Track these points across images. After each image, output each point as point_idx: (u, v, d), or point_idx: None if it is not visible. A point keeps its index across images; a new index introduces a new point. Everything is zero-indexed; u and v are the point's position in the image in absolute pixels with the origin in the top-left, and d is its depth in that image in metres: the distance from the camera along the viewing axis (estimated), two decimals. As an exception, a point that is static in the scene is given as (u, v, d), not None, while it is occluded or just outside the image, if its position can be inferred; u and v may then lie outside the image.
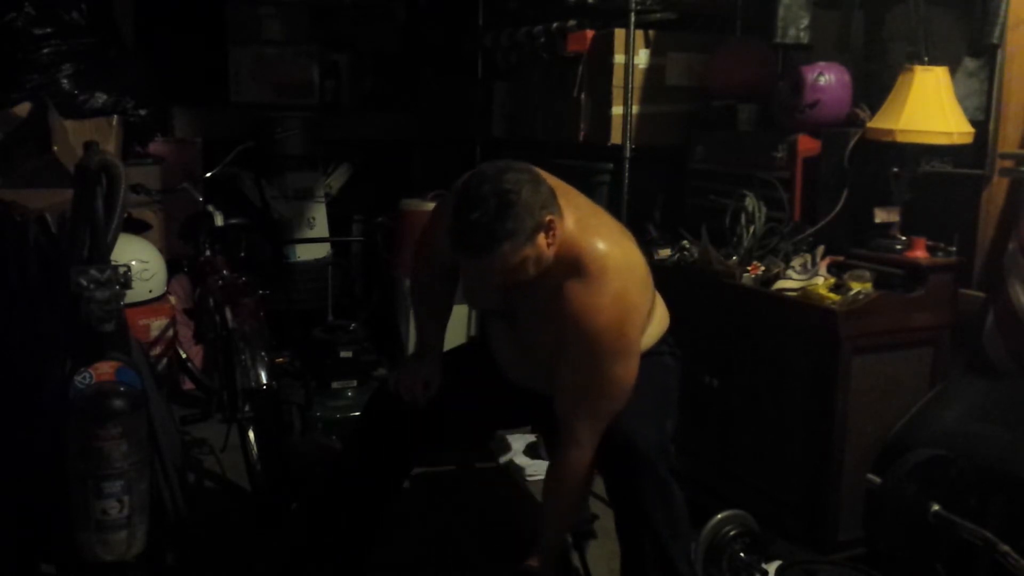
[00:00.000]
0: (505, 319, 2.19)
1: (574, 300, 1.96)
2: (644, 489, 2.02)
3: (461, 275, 2.28)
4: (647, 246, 3.08)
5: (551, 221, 1.93)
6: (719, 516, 2.42)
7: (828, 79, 2.89)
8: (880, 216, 2.71)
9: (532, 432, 3.37)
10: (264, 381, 2.71)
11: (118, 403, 1.91)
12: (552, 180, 2.08)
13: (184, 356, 3.54)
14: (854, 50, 3.09)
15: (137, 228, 3.52)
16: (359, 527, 2.34)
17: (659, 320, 2.22)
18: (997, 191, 2.68)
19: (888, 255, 2.68)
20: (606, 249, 1.99)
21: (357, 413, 3.16)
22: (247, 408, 2.72)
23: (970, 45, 2.70)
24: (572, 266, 1.97)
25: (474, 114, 4.47)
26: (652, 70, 3.40)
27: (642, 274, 2.05)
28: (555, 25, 3.71)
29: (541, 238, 1.92)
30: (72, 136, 3.45)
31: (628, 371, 2.01)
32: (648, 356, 2.13)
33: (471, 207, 1.88)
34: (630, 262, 2.03)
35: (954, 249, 2.67)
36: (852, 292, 2.53)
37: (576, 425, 2.04)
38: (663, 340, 2.24)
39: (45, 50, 3.62)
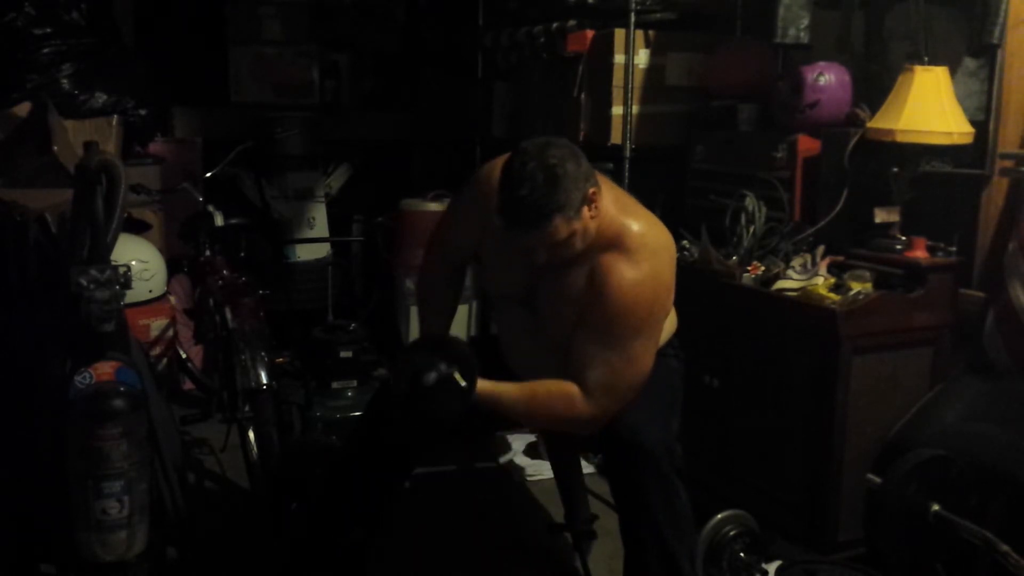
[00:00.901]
0: (522, 303, 2.18)
1: (613, 273, 1.97)
2: (649, 488, 2.02)
3: (485, 263, 2.27)
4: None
5: (594, 193, 1.95)
6: (719, 516, 2.42)
7: (828, 79, 2.89)
8: (880, 216, 2.71)
9: (532, 432, 3.37)
10: (264, 381, 2.71)
11: (118, 403, 1.91)
12: None
13: (184, 356, 3.54)
14: (854, 50, 3.09)
15: (137, 228, 3.52)
16: (359, 527, 2.34)
17: (670, 320, 2.22)
18: (997, 191, 2.68)
19: (888, 255, 2.68)
20: (645, 228, 2.03)
21: (357, 413, 3.17)
22: (247, 408, 2.72)
23: (970, 45, 2.70)
24: (611, 241, 2.00)
25: (474, 114, 4.47)
26: (652, 70, 3.40)
27: (674, 256, 2.09)
28: (555, 25, 3.71)
29: (586, 211, 1.95)
30: (72, 136, 3.44)
31: (645, 354, 2.02)
32: (656, 356, 2.13)
33: (519, 184, 1.89)
34: (666, 243, 2.07)
35: (954, 249, 2.67)
36: (852, 292, 2.54)
37: (580, 395, 1.99)
38: (670, 342, 2.25)
39: (45, 50, 3.62)
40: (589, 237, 1.99)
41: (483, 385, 1.99)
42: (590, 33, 3.50)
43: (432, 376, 1.93)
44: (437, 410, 1.98)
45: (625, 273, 1.97)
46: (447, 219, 2.34)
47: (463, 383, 1.95)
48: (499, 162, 2.02)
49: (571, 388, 1.99)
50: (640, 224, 2.03)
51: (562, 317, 2.07)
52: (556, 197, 1.89)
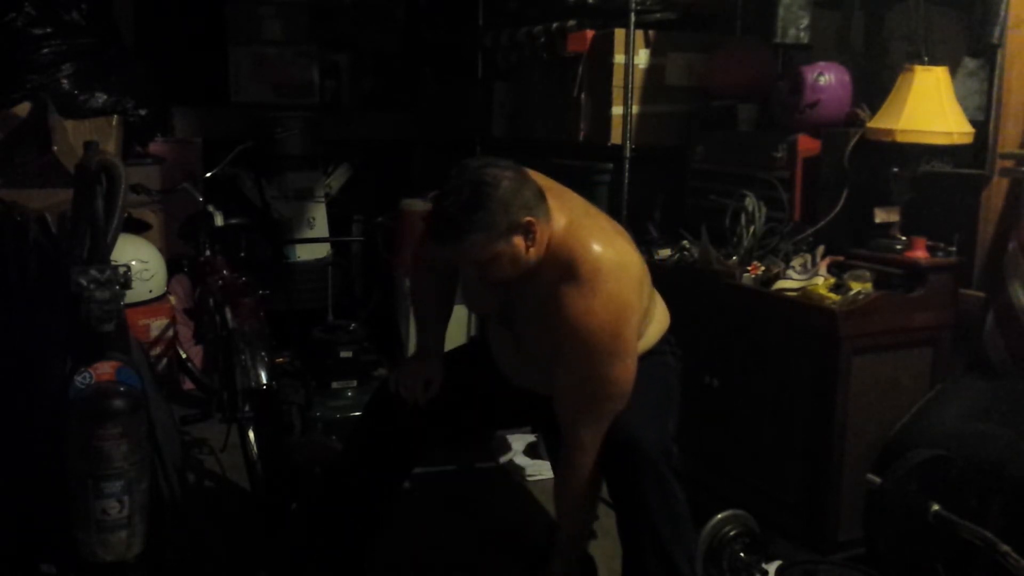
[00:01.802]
0: (503, 323, 2.19)
1: (567, 303, 1.95)
2: (646, 488, 2.02)
3: (461, 280, 2.28)
4: (647, 246, 3.08)
5: (530, 223, 1.92)
6: (719, 516, 2.42)
7: (828, 79, 2.89)
8: (880, 216, 2.71)
9: (532, 432, 3.37)
10: (264, 381, 2.71)
11: (118, 403, 1.91)
12: (546, 181, 2.08)
13: (184, 356, 3.54)
14: (854, 50, 3.09)
15: (137, 228, 3.52)
16: (359, 527, 2.34)
17: (659, 320, 2.21)
18: (997, 191, 2.68)
19: (888, 255, 2.68)
20: (599, 250, 1.98)
21: (357, 413, 3.17)
22: (247, 408, 2.72)
23: (970, 45, 2.70)
24: (565, 268, 1.97)
25: (474, 114, 4.47)
26: (652, 70, 3.40)
27: (637, 273, 2.04)
28: (555, 25, 3.71)
29: (518, 239, 1.92)
30: (72, 136, 3.45)
31: (625, 372, 2.01)
32: (649, 356, 2.13)
33: (446, 195, 1.90)
34: (623, 262, 2.01)
35: (954, 249, 2.67)
36: (852, 292, 2.53)
37: (578, 429, 2.04)
38: (664, 340, 2.24)
39: (45, 50, 3.62)
40: (523, 265, 1.96)
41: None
42: (590, 33, 3.50)
43: None
44: None
45: (579, 304, 1.94)
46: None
47: None
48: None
49: (573, 468, 2.06)
50: (597, 245, 1.98)
51: (538, 339, 2.08)
52: (474, 215, 1.87)
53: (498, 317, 2.20)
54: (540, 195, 1.96)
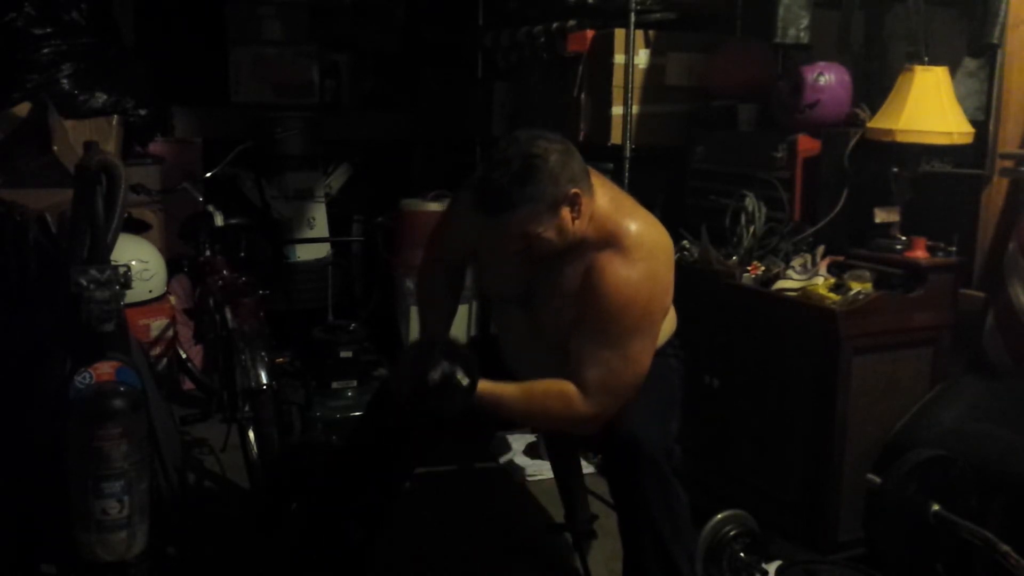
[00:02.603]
0: (520, 305, 2.18)
1: (607, 271, 1.96)
2: (647, 489, 2.02)
3: (482, 264, 2.27)
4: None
5: (576, 195, 1.93)
6: (719, 516, 2.42)
7: (828, 79, 2.89)
8: (880, 216, 2.71)
9: (532, 432, 3.37)
10: (264, 381, 2.71)
11: (118, 403, 1.91)
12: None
13: (184, 356, 3.54)
14: (854, 50, 3.09)
15: (137, 228, 3.52)
16: (359, 527, 2.34)
17: (669, 320, 2.22)
18: (997, 191, 2.68)
19: (888, 255, 2.68)
20: (641, 228, 2.01)
21: (357, 413, 3.17)
22: (247, 408, 2.72)
23: (970, 45, 2.70)
24: (607, 241, 1.98)
25: (474, 114, 4.47)
26: (652, 70, 3.40)
27: (671, 257, 2.08)
28: (555, 25, 3.71)
29: (565, 211, 1.93)
30: (72, 136, 3.44)
31: (643, 353, 2.01)
32: (655, 356, 2.13)
33: (495, 166, 1.89)
34: (663, 243, 2.05)
35: (954, 249, 2.67)
36: (852, 292, 2.53)
37: (578, 394, 1.99)
38: (670, 342, 2.25)
39: (45, 50, 3.62)
40: (568, 237, 1.97)
41: (483, 385, 1.99)
42: (590, 33, 3.50)
43: (436, 375, 1.94)
44: (441, 408, 1.98)
45: (620, 272, 1.96)
46: (445, 219, 2.34)
47: (465, 382, 1.95)
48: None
49: (569, 387, 1.99)
50: (637, 224, 2.02)
51: (559, 317, 2.06)
52: (526, 188, 1.87)
53: (518, 298, 2.19)
54: (585, 169, 1.98)
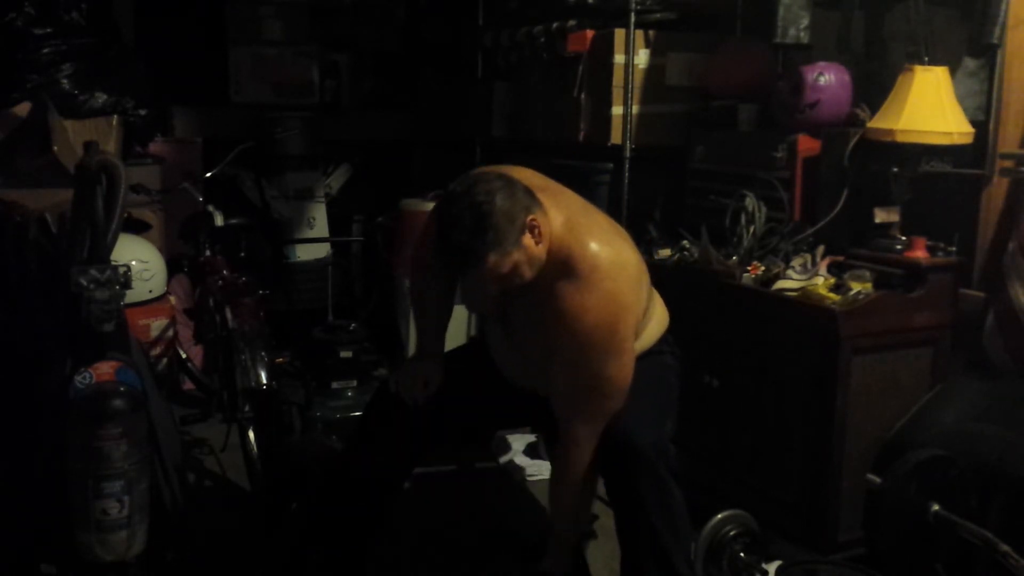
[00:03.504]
0: (500, 323, 2.20)
1: (564, 300, 1.96)
2: (643, 489, 2.02)
3: (459, 280, 2.28)
4: (647, 246, 3.08)
5: (533, 220, 1.93)
6: (719, 516, 2.42)
7: (828, 79, 2.89)
8: (880, 216, 2.71)
9: (532, 432, 3.37)
10: (264, 381, 2.71)
11: (118, 403, 1.91)
12: (540, 180, 2.09)
13: (184, 356, 3.54)
14: (854, 50, 3.09)
15: (137, 228, 3.52)
16: (359, 527, 2.34)
17: (658, 319, 2.22)
18: (997, 191, 2.68)
19: (888, 255, 2.68)
20: (596, 248, 1.98)
21: (357, 413, 3.16)
22: (247, 408, 2.72)
23: (970, 45, 2.70)
24: (562, 266, 1.97)
25: (474, 114, 4.47)
26: (652, 70, 3.40)
27: (634, 272, 2.04)
28: (555, 25, 3.71)
29: (527, 239, 1.93)
30: (72, 136, 3.44)
31: (622, 370, 2.01)
32: (648, 355, 2.14)
33: (450, 229, 1.90)
34: (621, 260, 2.01)
35: (954, 249, 2.67)
36: (852, 292, 2.53)
37: (573, 425, 2.04)
38: (663, 339, 2.24)
39: (45, 50, 3.62)
40: (538, 262, 1.96)
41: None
42: (590, 33, 3.50)
43: None
44: None
45: (577, 299, 1.95)
46: (428, 227, 2.32)
47: None
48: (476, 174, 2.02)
49: (568, 465, 2.07)
50: (594, 243, 1.99)
51: (534, 341, 2.09)
52: (486, 236, 1.87)
53: (496, 317, 2.20)
54: (529, 190, 1.97)
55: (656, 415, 2.12)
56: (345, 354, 3.55)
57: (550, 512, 2.24)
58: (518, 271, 1.94)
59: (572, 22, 3.62)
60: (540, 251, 1.96)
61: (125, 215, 2.26)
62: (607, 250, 2.00)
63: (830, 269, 2.70)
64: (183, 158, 4.17)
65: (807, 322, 2.55)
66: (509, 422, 2.88)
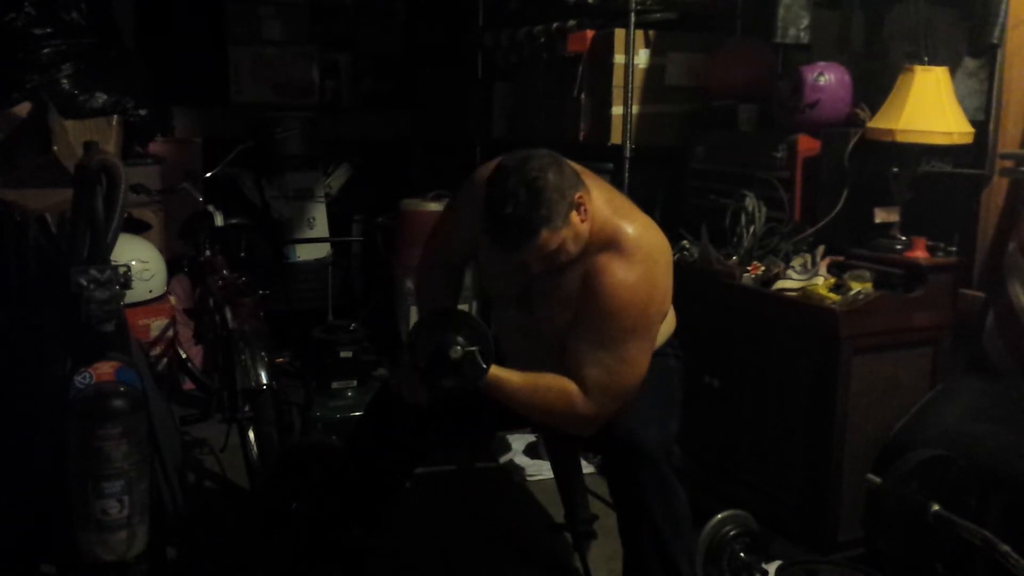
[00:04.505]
0: (519, 305, 2.18)
1: (606, 273, 1.97)
2: (647, 488, 2.02)
3: (482, 265, 2.27)
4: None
5: (581, 198, 1.95)
6: (719, 516, 2.42)
7: (828, 79, 2.89)
8: (880, 216, 2.71)
9: (532, 432, 3.37)
10: (264, 381, 2.72)
11: (118, 403, 1.91)
12: (575, 166, 2.10)
13: (184, 356, 3.54)
14: (854, 50, 3.09)
15: (137, 228, 3.52)
16: (359, 527, 2.34)
17: (669, 319, 2.22)
18: (997, 191, 2.67)
19: (888, 255, 2.68)
20: (640, 231, 2.02)
21: (357, 413, 3.17)
22: (247, 408, 2.72)
23: (970, 45, 2.70)
24: (606, 242, 1.99)
25: (474, 114, 4.47)
26: (652, 70, 3.40)
27: (670, 259, 2.08)
28: (555, 25, 3.71)
29: (575, 216, 1.94)
30: (72, 136, 3.44)
31: (641, 353, 2.01)
32: (653, 357, 2.13)
33: (502, 202, 1.89)
34: (662, 245, 2.06)
35: (954, 249, 2.67)
36: (852, 292, 2.53)
37: (577, 403, 2.00)
38: (669, 342, 2.25)
39: (45, 50, 3.62)
40: (582, 241, 1.98)
41: (493, 369, 1.99)
42: (590, 33, 3.50)
43: (456, 351, 1.93)
44: (455, 386, 1.97)
45: (618, 274, 1.97)
46: (445, 219, 2.34)
47: (483, 363, 1.95)
48: (496, 162, 2.02)
49: (571, 385, 1.99)
50: (635, 226, 2.02)
51: (558, 318, 2.07)
52: (540, 211, 1.88)
53: (518, 298, 2.19)
54: (576, 172, 2.00)
55: (660, 415, 2.12)
56: (345, 354, 3.55)
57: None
58: (564, 247, 1.96)
59: (572, 22, 3.62)
60: (585, 229, 1.97)
61: (125, 215, 2.26)
62: (649, 234, 2.04)
63: (830, 269, 2.70)
64: (183, 158, 4.18)
65: (807, 322, 2.55)
66: (510, 422, 2.87)
